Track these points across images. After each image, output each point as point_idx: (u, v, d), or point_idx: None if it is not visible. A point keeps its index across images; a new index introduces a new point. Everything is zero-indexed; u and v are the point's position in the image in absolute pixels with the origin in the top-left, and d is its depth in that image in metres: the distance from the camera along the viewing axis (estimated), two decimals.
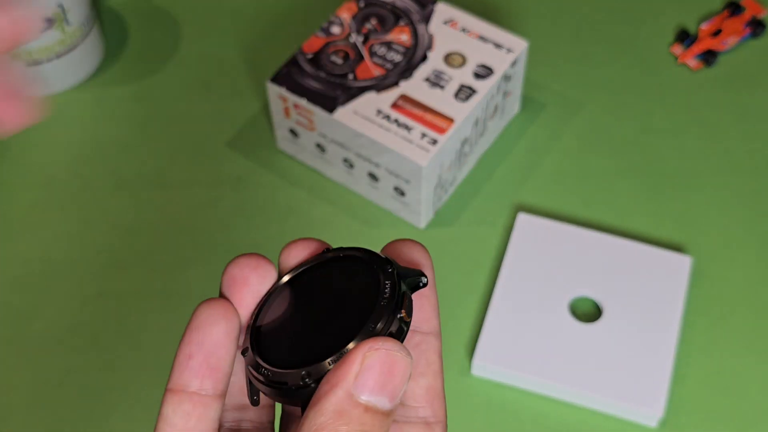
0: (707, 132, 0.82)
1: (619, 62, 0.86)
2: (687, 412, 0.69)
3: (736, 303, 0.73)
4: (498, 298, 0.72)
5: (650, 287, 0.72)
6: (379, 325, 0.31)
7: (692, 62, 0.86)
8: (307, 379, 0.31)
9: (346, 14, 0.79)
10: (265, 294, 0.35)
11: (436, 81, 0.75)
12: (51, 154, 0.81)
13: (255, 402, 0.35)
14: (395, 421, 0.33)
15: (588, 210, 0.78)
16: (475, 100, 0.75)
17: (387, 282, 0.32)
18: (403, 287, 0.32)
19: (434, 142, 0.72)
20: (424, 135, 0.73)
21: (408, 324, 0.32)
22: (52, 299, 0.74)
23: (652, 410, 0.67)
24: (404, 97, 0.75)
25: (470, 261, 0.75)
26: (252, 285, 0.34)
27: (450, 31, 0.78)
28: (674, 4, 0.90)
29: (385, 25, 0.79)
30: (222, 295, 0.35)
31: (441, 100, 0.75)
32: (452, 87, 0.75)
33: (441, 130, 0.73)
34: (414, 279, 0.33)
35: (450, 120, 0.73)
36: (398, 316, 0.31)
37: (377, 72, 0.76)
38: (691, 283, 0.74)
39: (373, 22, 0.79)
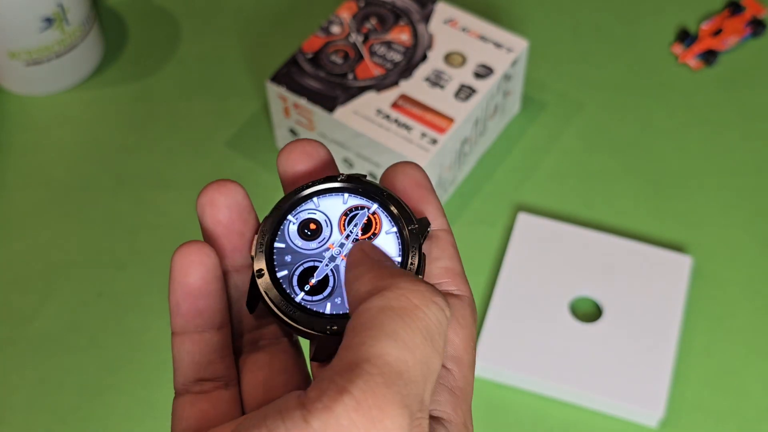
0: (708, 132, 0.82)
1: (619, 62, 0.86)
2: (687, 412, 0.69)
3: (736, 303, 0.73)
4: (498, 298, 0.72)
5: (650, 287, 0.72)
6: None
7: (693, 62, 0.86)
8: (335, 327, 0.33)
9: (346, 14, 0.79)
10: (281, 202, 0.35)
11: (436, 81, 0.75)
12: (51, 154, 0.81)
13: (251, 309, 0.35)
14: None
15: (588, 210, 0.78)
16: (475, 99, 0.74)
17: (414, 247, 0.33)
18: (421, 249, 0.34)
19: (434, 141, 0.72)
20: (424, 135, 0.73)
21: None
22: (52, 299, 0.74)
23: (652, 410, 0.67)
24: (404, 97, 0.75)
25: (470, 261, 0.75)
26: (219, 206, 0.35)
27: (450, 30, 0.78)
28: (675, 3, 0.90)
29: (385, 25, 0.79)
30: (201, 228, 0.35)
31: (441, 99, 0.74)
32: (452, 87, 0.75)
33: (441, 130, 0.73)
34: (425, 231, 0.34)
35: (450, 120, 0.73)
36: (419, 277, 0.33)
37: (377, 71, 0.76)
38: (691, 283, 0.74)
39: (373, 21, 0.79)
